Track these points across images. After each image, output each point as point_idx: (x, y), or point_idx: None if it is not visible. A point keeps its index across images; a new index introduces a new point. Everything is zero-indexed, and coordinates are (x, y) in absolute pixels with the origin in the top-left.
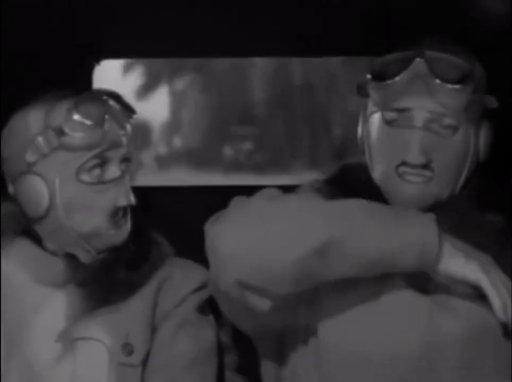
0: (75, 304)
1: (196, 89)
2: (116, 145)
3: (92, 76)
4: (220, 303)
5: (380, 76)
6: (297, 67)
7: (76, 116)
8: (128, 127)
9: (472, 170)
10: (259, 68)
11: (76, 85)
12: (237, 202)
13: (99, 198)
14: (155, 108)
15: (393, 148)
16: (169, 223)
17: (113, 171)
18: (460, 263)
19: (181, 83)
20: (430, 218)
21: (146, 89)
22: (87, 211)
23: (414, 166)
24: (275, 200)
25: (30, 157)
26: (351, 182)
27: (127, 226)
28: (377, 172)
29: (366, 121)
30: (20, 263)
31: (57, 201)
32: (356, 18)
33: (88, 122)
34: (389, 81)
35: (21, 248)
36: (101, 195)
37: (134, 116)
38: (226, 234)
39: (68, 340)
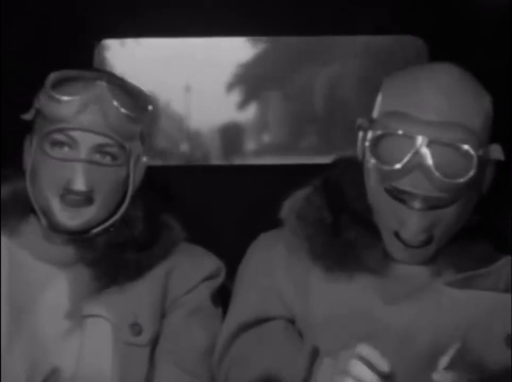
0: (83, 283)
1: (278, 99)
2: (86, 129)
3: (93, 56)
4: None
5: (378, 158)
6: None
7: (51, 89)
8: (116, 119)
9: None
10: (321, 84)
11: (76, 65)
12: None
13: (53, 174)
14: (249, 114)
15: (392, 216)
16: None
17: (76, 153)
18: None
19: (268, 95)
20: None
21: (244, 101)
22: (44, 184)
23: (412, 241)
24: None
25: (29, 115)
26: (339, 186)
27: (84, 216)
28: (378, 223)
29: (364, 158)
30: (30, 242)
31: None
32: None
33: (58, 97)
34: (386, 167)
35: (32, 227)
36: (56, 171)
37: (134, 108)
38: None
39: (76, 317)
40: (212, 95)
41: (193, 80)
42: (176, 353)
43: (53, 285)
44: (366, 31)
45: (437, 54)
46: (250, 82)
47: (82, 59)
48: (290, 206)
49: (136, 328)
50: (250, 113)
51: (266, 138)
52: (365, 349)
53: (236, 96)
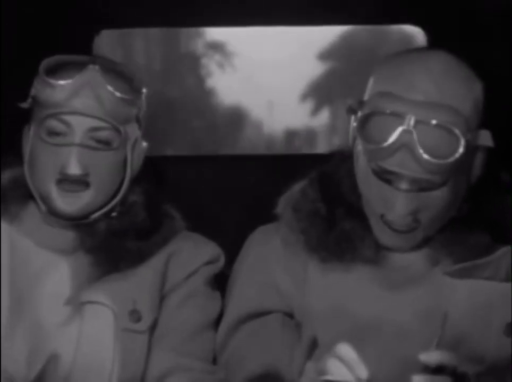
0: (84, 270)
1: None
2: (80, 112)
3: (92, 47)
4: None
5: (365, 138)
6: None
7: (44, 74)
8: (110, 102)
9: (463, 196)
10: None
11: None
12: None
13: (49, 160)
14: (321, 120)
15: (379, 199)
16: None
17: (70, 138)
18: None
19: (338, 103)
20: None
21: (316, 109)
22: (41, 171)
23: (398, 224)
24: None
25: (26, 103)
26: (334, 179)
27: (81, 201)
28: (365, 209)
29: (355, 142)
30: (31, 229)
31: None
32: None
33: (52, 82)
34: (373, 146)
35: (32, 214)
36: (51, 157)
37: (126, 92)
38: None
39: (76, 304)
40: (288, 104)
41: (274, 94)
42: (167, 335)
43: (54, 272)
44: (365, 20)
45: (436, 44)
46: (323, 91)
47: (81, 50)
48: (286, 200)
49: (135, 315)
50: (320, 119)
51: (336, 141)
52: (344, 351)
53: (310, 104)
